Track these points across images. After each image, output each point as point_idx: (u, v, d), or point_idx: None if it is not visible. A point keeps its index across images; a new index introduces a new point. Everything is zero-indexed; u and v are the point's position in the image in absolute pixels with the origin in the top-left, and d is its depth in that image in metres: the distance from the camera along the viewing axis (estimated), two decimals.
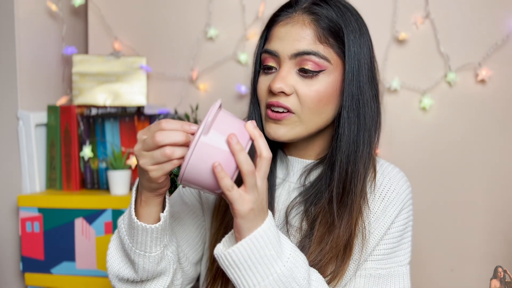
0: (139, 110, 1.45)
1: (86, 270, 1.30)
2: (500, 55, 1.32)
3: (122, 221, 0.80)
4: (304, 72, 0.79)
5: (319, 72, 0.79)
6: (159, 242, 0.78)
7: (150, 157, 0.67)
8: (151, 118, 1.43)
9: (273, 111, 0.81)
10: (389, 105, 1.38)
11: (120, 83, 1.48)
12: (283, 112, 0.80)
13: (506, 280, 0.76)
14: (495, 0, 1.32)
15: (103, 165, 1.43)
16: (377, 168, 0.86)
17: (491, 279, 0.77)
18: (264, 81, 0.83)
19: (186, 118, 1.43)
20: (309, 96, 0.79)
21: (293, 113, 0.80)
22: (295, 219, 0.85)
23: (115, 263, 0.82)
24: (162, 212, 0.77)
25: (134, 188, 0.77)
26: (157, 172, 0.68)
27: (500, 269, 0.77)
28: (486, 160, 1.35)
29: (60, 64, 1.54)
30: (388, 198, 0.84)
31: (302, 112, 0.80)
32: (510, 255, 1.34)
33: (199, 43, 1.48)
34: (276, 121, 0.81)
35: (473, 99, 1.34)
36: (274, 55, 0.81)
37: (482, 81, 1.33)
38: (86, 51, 1.62)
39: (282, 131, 0.81)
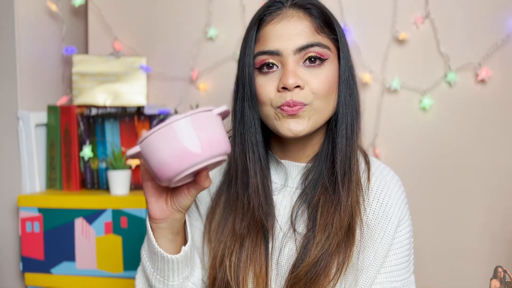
0: (139, 110, 1.45)
1: (86, 270, 1.30)
2: (500, 55, 1.32)
3: (143, 248, 0.83)
4: (311, 63, 0.80)
5: (323, 61, 0.81)
6: (178, 274, 0.80)
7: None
8: (151, 118, 1.43)
9: (289, 106, 0.80)
10: (389, 105, 1.38)
11: (120, 83, 1.48)
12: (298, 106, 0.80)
13: (506, 280, 0.76)
14: (495, 0, 1.32)
15: (103, 165, 1.43)
16: (371, 168, 0.87)
17: (491, 279, 0.77)
18: (267, 82, 0.81)
19: None
20: (321, 86, 0.80)
21: (306, 104, 0.80)
22: (301, 224, 0.84)
23: None
24: (184, 244, 0.80)
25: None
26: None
27: (500, 269, 0.77)
28: (486, 160, 1.35)
29: (60, 64, 1.54)
30: (385, 206, 0.84)
31: (316, 101, 0.80)
32: (510, 255, 1.34)
33: (199, 43, 1.48)
34: (293, 115, 0.80)
35: (473, 99, 1.34)
36: (276, 54, 0.80)
37: (482, 81, 1.33)
38: (86, 51, 1.62)
39: (303, 125, 0.80)
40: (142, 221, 1.27)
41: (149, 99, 1.52)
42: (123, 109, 1.45)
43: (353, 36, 1.38)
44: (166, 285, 0.81)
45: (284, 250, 0.84)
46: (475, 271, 1.35)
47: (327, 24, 0.83)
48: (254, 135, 0.85)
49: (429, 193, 1.37)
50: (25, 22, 1.39)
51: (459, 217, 1.36)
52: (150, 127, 1.42)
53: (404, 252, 0.84)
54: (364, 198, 0.83)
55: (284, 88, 0.79)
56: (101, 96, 1.47)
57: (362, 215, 0.82)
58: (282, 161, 0.89)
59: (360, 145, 0.88)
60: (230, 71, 1.46)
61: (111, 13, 1.52)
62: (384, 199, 0.84)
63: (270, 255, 0.84)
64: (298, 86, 0.79)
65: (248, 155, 0.84)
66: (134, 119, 1.43)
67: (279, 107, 0.80)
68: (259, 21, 0.83)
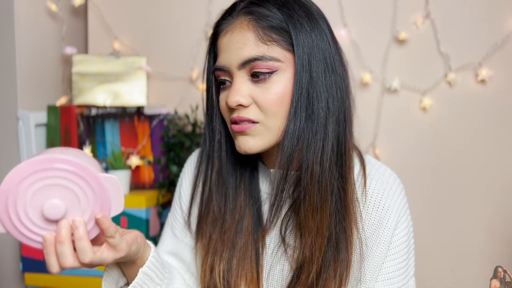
0: (139, 110, 1.45)
1: (86, 270, 1.30)
2: (500, 55, 1.32)
3: None
4: (256, 77, 0.74)
5: (271, 73, 0.74)
6: None
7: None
8: (151, 118, 1.43)
9: (237, 123, 0.77)
10: (389, 105, 1.38)
11: (120, 83, 1.48)
12: (246, 122, 0.76)
13: (506, 280, 0.76)
14: (495, 0, 1.32)
15: (103, 165, 1.43)
16: (366, 169, 0.81)
17: (491, 279, 0.77)
18: (223, 98, 0.79)
19: (186, 118, 1.43)
20: (268, 101, 0.74)
21: (256, 122, 0.75)
22: (292, 237, 0.80)
23: None
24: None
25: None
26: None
27: (500, 269, 0.77)
28: (486, 160, 1.35)
29: (60, 64, 1.54)
30: (382, 209, 0.79)
31: (266, 119, 0.75)
32: (510, 255, 1.34)
33: (199, 43, 1.48)
34: (242, 132, 0.76)
35: (473, 99, 1.34)
36: (225, 70, 0.77)
37: (482, 81, 1.33)
38: (86, 51, 1.62)
39: (251, 143, 0.76)
40: (142, 221, 1.27)
41: (149, 99, 1.52)
42: (123, 109, 1.45)
43: (353, 36, 1.38)
44: None
45: (276, 265, 0.82)
46: (475, 271, 1.35)
47: (278, 28, 0.74)
48: (225, 153, 0.84)
49: (429, 193, 1.37)
50: (25, 22, 1.39)
51: (459, 217, 1.36)
52: (150, 127, 1.42)
53: (402, 256, 0.80)
54: (360, 209, 0.78)
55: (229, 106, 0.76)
56: (101, 96, 1.47)
57: (358, 225, 0.78)
58: (271, 170, 0.85)
59: (353, 144, 0.82)
60: None
61: (111, 13, 1.52)
62: (381, 202, 0.79)
63: (260, 262, 0.82)
64: (241, 105, 0.75)
65: (222, 174, 0.84)
66: (134, 119, 1.43)
67: (231, 124, 0.78)
68: (215, 33, 0.81)
